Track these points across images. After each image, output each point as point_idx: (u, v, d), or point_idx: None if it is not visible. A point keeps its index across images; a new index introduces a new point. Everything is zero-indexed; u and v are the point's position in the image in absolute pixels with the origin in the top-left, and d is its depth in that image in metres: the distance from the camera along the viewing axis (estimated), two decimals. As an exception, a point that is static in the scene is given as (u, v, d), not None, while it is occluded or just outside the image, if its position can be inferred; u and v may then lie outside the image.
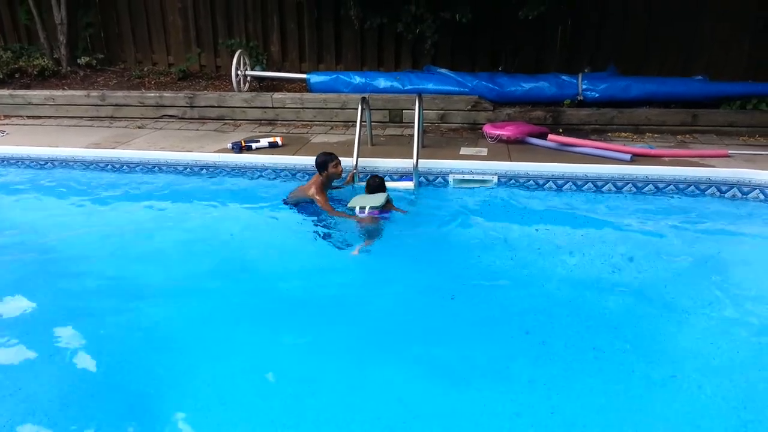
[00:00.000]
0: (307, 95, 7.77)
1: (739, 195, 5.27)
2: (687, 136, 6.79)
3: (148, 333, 3.48)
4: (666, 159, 5.68)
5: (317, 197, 4.84)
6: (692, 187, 5.32)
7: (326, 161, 4.91)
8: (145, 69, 9.34)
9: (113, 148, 6.38)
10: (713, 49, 7.71)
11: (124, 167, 6.20)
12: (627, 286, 3.91)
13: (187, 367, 3.20)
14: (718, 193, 5.30)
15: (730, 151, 5.88)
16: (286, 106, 7.65)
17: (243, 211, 5.25)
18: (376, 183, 5.01)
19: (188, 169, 6.08)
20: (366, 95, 6.48)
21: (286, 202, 5.12)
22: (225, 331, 3.50)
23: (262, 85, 8.67)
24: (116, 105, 8.00)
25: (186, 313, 3.69)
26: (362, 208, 4.67)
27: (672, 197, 5.28)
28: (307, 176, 5.52)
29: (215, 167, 6.03)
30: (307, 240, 4.58)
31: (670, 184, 5.34)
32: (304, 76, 8.20)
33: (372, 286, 4.04)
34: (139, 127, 7.51)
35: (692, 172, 5.36)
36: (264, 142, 6.31)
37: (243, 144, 6.19)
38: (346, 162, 5.44)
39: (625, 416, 2.80)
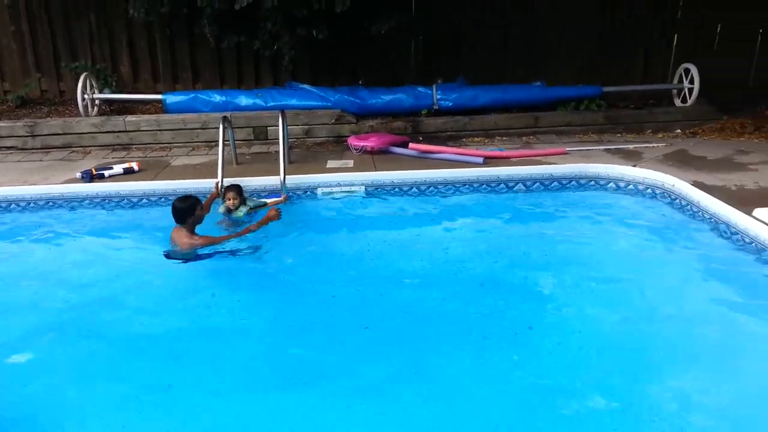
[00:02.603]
0: (164, 116, 7.46)
1: (577, 186, 5.86)
2: (531, 137, 7.46)
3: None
4: (514, 159, 6.20)
5: (198, 242, 4.33)
6: (537, 183, 5.85)
7: (192, 206, 4.28)
8: (-24, 97, 8.43)
9: (-61, 186, 5.69)
10: (555, 56, 8.58)
11: (-45, 207, 5.54)
12: (485, 275, 4.20)
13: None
14: (559, 186, 5.86)
15: (567, 149, 6.56)
16: (141, 128, 7.28)
17: (98, 245, 4.88)
18: (236, 187, 5.07)
19: (32, 204, 5.55)
20: (227, 114, 6.36)
21: (168, 255, 4.41)
22: (79, 384, 3.17)
23: (113, 108, 8.18)
24: (-59, 138, 7.13)
25: (34, 366, 3.34)
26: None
27: (521, 193, 5.76)
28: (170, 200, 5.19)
29: (63, 200, 5.56)
30: (162, 265, 4.36)
31: (518, 182, 5.82)
32: (159, 96, 7.87)
33: (245, 303, 3.96)
34: (-29, 162, 6.76)
35: (537, 169, 5.90)
36: (118, 168, 5.95)
37: (94, 172, 5.79)
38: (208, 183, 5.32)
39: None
